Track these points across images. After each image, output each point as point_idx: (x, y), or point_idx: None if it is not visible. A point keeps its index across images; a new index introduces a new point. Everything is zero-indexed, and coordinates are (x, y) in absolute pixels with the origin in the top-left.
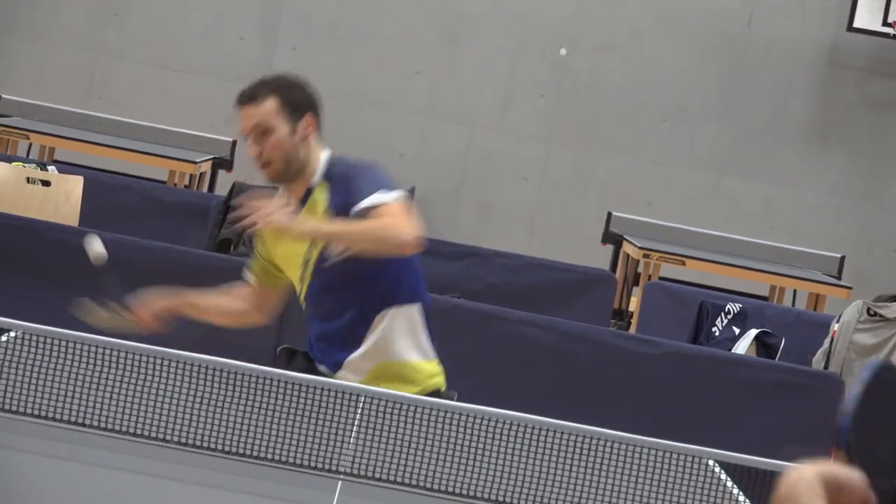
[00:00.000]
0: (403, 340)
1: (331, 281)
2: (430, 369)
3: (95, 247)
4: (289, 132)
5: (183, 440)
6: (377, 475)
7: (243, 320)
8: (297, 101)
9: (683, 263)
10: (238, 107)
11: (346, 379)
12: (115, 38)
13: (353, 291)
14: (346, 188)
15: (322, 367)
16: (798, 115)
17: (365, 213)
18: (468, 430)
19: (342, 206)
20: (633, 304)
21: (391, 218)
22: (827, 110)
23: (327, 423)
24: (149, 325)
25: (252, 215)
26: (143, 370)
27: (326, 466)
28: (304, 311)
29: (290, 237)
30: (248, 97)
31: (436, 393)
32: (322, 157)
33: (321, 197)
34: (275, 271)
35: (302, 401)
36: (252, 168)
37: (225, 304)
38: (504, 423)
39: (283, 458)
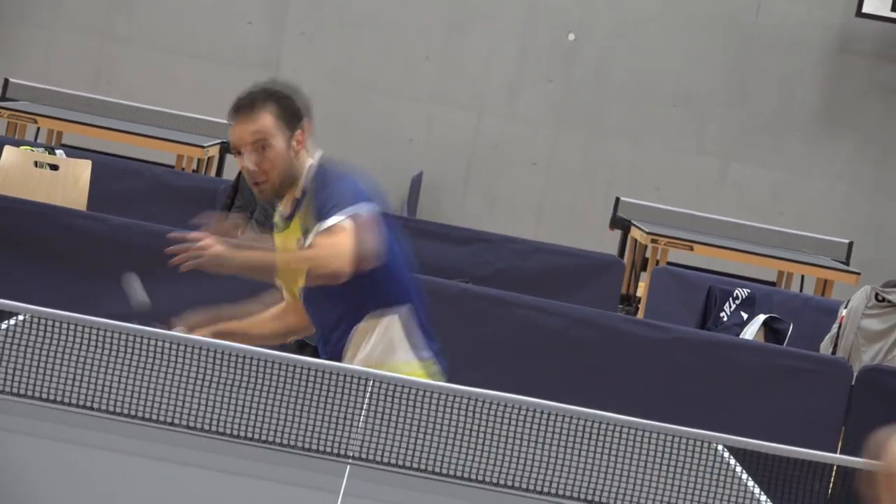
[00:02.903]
0: (383, 346)
1: (313, 293)
2: (415, 370)
3: (138, 293)
4: (286, 146)
5: (191, 424)
6: (385, 459)
7: (290, 326)
8: (293, 110)
9: (691, 249)
10: (232, 120)
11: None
12: (123, 22)
13: (331, 304)
14: (319, 202)
15: None
16: (806, 102)
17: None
18: (476, 415)
19: (315, 220)
20: (641, 290)
21: (328, 246)
22: (835, 96)
23: (336, 408)
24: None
25: (189, 251)
26: (151, 354)
27: (335, 451)
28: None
29: (228, 270)
30: (244, 109)
31: None
32: (309, 164)
33: (310, 204)
34: None
35: (311, 385)
36: None
37: (268, 322)
38: (512, 407)
39: (292, 443)
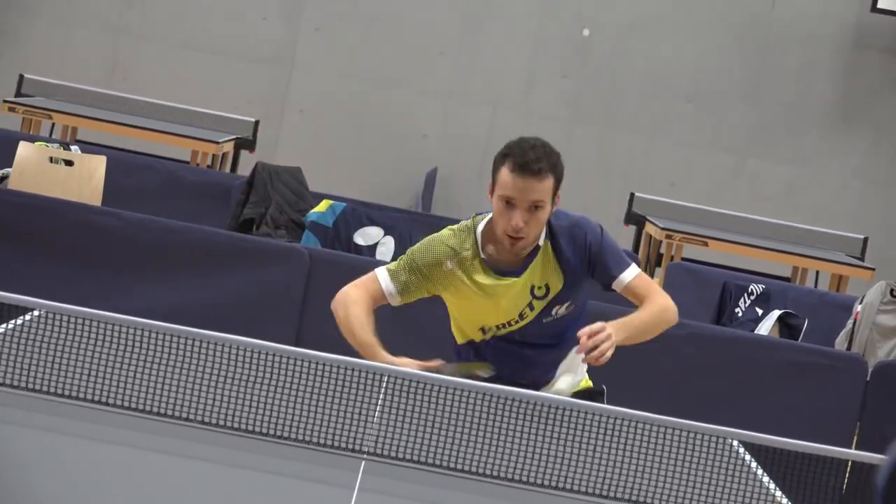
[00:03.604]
0: (578, 367)
1: (540, 330)
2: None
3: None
4: (550, 211)
5: (207, 420)
6: (401, 455)
7: None
8: (561, 180)
9: (706, 244)
10: (522, 174)
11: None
12: (138, 18)
13: (551, 342)
14: (572, 248)
15: None
16: (822, 97)
17: (626, 289)
18: (491, 411)
19: (577, 264)
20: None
21: (660, 297)
22: (851, 92)
23: (351, 403)
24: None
25: (591, 354)
26: (166, 349)
27: (350, 446)
28: (486, 345)
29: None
30: (538, 170)
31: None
32: None
33: (549, 256)
34: (426, 295)
35: (326, 381)
36: (273, 149)
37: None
38: (526, 403)
39: (307, 438)
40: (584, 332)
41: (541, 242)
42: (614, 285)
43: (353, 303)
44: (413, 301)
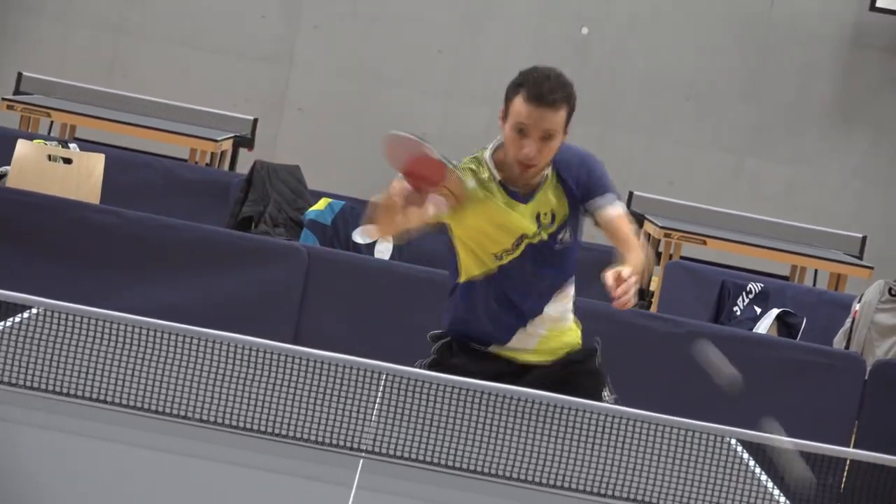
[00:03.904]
0: (565, 307)
1: (543, 258)
2: (576, 328)
3: (721, 365)
4: (562, 140)
5: (204, 417)
6: (398, 453)
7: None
8: (574, 110)
9: (705, 243)
10: (535, 104)
11: (519, 343)
12: (137, 16)
13: (554, 266)
14: (577, 171)
15: (482, 345)
16: (821, 96)
17: (612, 218)
18: (489, 409)
19: (578, 187)
20: (655, 284)
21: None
22: (851, 91)
23: (349, 401)
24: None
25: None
26: (165, 347)
27: (348, 444)
28: (486, 278)
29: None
30: (552, 101)
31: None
32: None
33: (555, 184)
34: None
35: (324, 379)
36: (271, 147)
37: None
38: (525, 401)
39: (306, 436)
40: (610, 276)
41: (548, 171)
42: (598, 215)
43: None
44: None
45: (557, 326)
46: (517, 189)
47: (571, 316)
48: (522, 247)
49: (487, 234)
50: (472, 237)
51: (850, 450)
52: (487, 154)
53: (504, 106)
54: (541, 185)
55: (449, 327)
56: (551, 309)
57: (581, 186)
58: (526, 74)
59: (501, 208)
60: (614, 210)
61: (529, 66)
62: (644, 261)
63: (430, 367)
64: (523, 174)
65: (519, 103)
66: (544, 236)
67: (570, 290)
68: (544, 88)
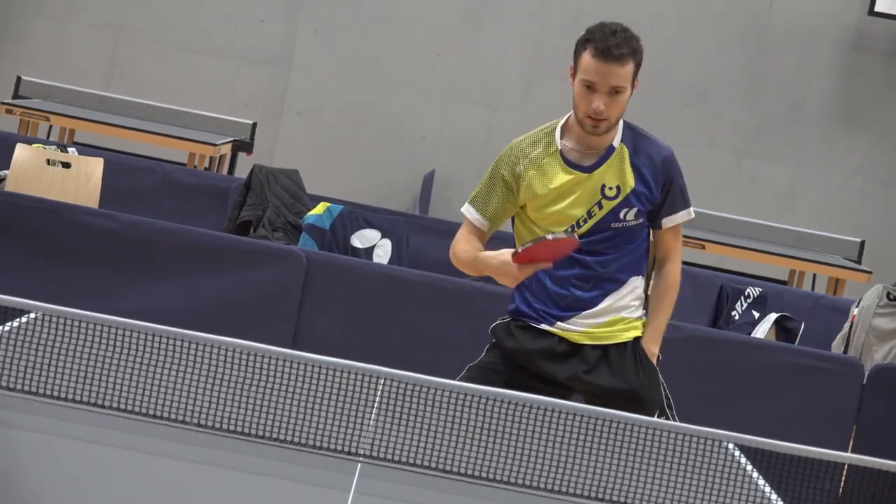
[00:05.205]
0: (632, 300)
1: (605, 236)
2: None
3: None
4: (630, 94)
5: (203, 422)
6: (396, 457)
7: None
8: (640, 63)
9: (703, 247)
10: (604, 60)
11: (574, 323)
12: (136, 19)
13: (616, 251)
14: (656, 171)
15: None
16: (821, 98)
17: (668, 245)
18: (487, 413)
19: (657, 187)
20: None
21: (676, 266)
22: (851, 93)
23: (347, 406)
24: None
25: None
26: (163, 352)
27: (346, 449)
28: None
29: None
30: (620, 55)
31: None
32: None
33: (624, 160)
34: (509, 215)
35: (322, 383)
36: (270, 151)
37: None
38: (523, 405)
39: (304, 441)
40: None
41: (616, 144)
42: (664, 222)
43: (454, 245)
44: (506, 218)
45: (611, 317)
46: (579, 159)
47: (634, 311)
48: (580, 231)
49: (545, 214)
50: (534, 210)
51: (848, 454)
52: (561, 123)
53: (573, 62)
54: (608, 157)
55: (509, 310)
56: (608, 300)
57: (661, 189)
58: (593, 30)
59: (551, 193)
60: (674, 235)
61: (596, 23)
62: (667, 321)
63: (487, 351)
64: (595, 129)
65: (587, 59)
66: (601, 214)
67: (634, 283)
68: (611, 43)
